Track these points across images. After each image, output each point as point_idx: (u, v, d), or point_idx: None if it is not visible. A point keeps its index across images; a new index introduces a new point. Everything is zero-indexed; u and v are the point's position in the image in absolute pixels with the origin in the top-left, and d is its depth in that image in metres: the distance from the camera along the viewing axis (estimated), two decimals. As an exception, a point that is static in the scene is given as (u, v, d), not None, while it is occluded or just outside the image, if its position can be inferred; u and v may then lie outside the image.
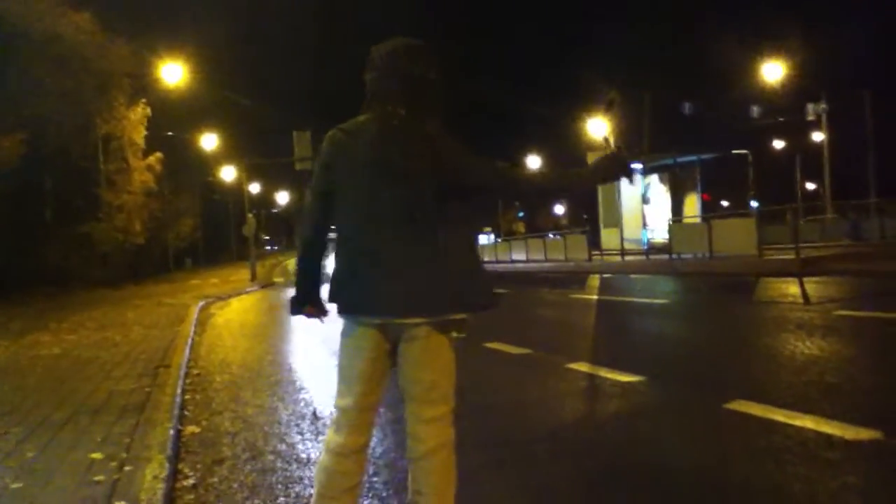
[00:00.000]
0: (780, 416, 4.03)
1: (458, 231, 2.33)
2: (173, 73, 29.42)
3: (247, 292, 23.49)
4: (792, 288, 10.90)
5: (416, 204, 2.25)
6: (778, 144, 42.90)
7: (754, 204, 31.36)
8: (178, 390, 5.72)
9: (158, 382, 6.11)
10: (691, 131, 34.59)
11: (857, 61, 43.65)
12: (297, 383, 6.48)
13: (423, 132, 2.29)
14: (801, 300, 9.40)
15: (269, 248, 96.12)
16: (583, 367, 5.96)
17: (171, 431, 4.30)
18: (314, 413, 5.11)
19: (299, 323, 12.88)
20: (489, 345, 7.49)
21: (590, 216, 27.42)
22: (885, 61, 42.58)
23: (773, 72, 30.85)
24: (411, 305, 2.28)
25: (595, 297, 13.05)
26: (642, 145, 27.31)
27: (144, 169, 31.82)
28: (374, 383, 2.39)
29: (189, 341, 9.24)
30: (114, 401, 5.37)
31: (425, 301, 2.29)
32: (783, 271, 13.41)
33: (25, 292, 19.59)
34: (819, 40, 36.60)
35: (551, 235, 30.41)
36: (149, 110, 31.25)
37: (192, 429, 4.85)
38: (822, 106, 30.88)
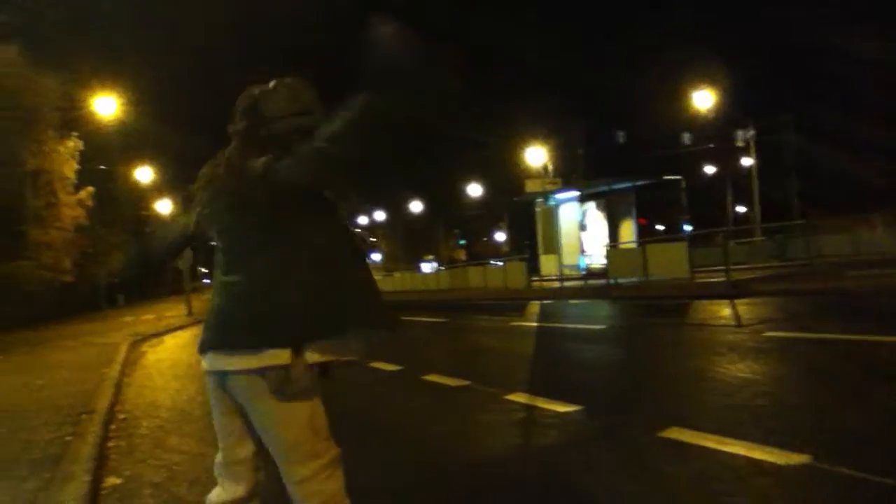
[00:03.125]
0: (712, 442, 4.05)
1: (287, 255, 2.12)
2: (107, 105, 28.80)
3: (182, 328, 22.85)
4: (723, 310, 11.14)
5: (230, 237, 2.20)
6: (709, 169, 44.25)
7: (687, 227, 32.15)
8: (100, 439, 5.45)
9: (79, 430, 5.81)
10: (626, 158, 35.43)
11: (780, 87, 45.51)
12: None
13: (238, 170, 2.17)
14: (732, 322, 9.59)
15: (206, 280, 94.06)
16: (521, 397, 5.92)
17: (88, 485, 4.07)
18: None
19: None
20: (426, 377, 7.41)
21: (530, 243, 27.65)
22: (805, 86, 44.50)
23: (702, 99, 31.89)
24: (204, 343, 2.16)
25: (535, 323, 13.08)
26: (578, 173, 27.84)
27: (75, 204, 30.86)
28: (235, 437, 2.24)
29: (116, 383, 8.88)
30: (28, 453, 5.08)
31: (220, 339, 2.13)
32: (715, 293, 13.73)
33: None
34: (745, 68, 38.03)
35: (492, 262, 30.59)
36: (81, 143, 30.41)
37: (112, 480, 4.62)
38: (750, 132, 32.02)
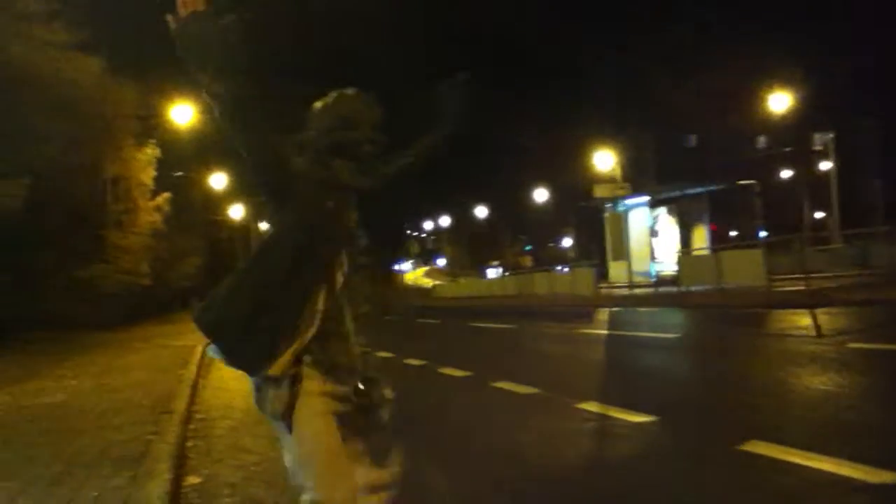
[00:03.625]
0: (796, 457, 3.89)
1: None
2: (183, 113, 29.72)
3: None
4: (803, 319, 10.74)
5: None
6: (786, 174, 42.89)
7: (763, 234, 31.20)
8: (180, 438, 5.60)
9: (160, 429, 5.98)
10: (698, 163, 34.62)
11: (863, 89, 43.70)
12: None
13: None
14: (812, 332, 9.24)
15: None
16: (592, 406, 5.82)
17: (170, 484, 4.18)
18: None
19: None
20: (496, 384, 7.36)
21: (597, 249, 27.28)
22: (890, 89, 42.62)
23: (778, 102, 30.93)
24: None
25: (604, 331, 12.89)
26: (648, 177, 27.36)
27: (152, 209, 31.94)
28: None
29: (192, 385, 9.12)
30: (113, 451, 5.25)
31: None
32: (793, 302, 13.26)
33: (27, 338, 19.42)
34: (824, 69, 36.67)
35: (559, 268, 30.31)
36: (158, 151, 31.49)
37: (192, 479, 4.73)
38: (829, 135, 30.89)
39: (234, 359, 2.13)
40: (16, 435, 6.37)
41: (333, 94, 2.30)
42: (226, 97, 2.05)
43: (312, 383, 2.12)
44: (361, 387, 2.18)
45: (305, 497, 2.13)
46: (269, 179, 2.18)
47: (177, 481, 4.49)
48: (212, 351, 2.18)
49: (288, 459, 2.18)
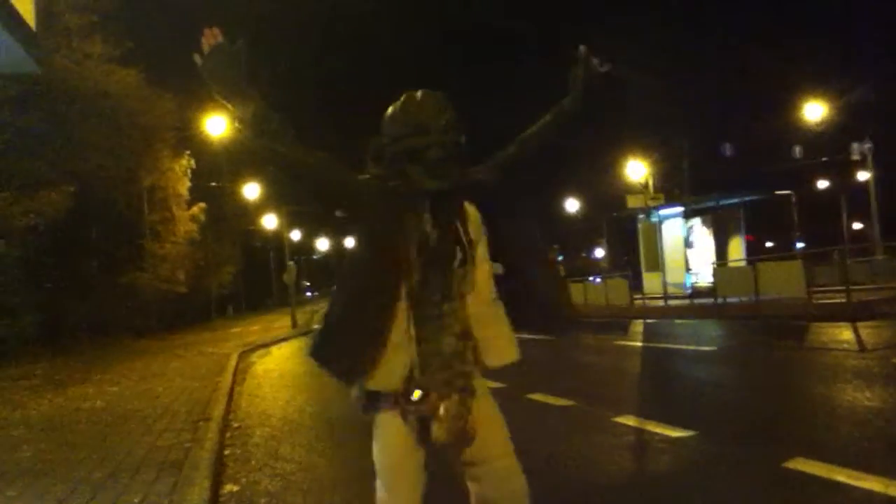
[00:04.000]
0: (843, 476, 3.80)
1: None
2: (217, 125, 30.14)
3: (287, 340, 23.56)
4: (845, 333, 10.53)
5: None
6: (822, 184, 42.17)
7: (800, 245, 30.72)
8: (217, 446, 5.66)
9: (198, 437, 6.05)
10: (733, 173, 34.17)
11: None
12: (337, 438, 6.37)
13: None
14: (855, 346, 9.05)
15: (309, 294, 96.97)
16: (630, 420, 5.76)
17: (209, 491, 4.23)
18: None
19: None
20: (531, 396, 7.32)
21: (631, 259, 27.02)
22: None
23: (814, 111, 30.47)
24: None
25: (640, 343, 12.75)
26: (682, 187, 27.10)
27: (188, 219, 32.44)
28: None
29: (229, 392, 9.22)
30: (154, 457, 5.33)
31: None
32: (834, 315, 13.00)
33: (74, 341, 20.04)
34: (861, 77, 36.08)
35: (591, 279, 30.10)
36: (193, 162, 32.00)
37: (230, 487, 4.78)
38: (867, 145, 30.30)
39: (333, 371, 2.25)
40: (62, 438, 6.50)
41: (402, 99, 2.25)
42: (254, 126, 2.14)
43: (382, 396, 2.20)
44: (415, 397, 2.15)
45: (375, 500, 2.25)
46: (333, 203, 2.23)
47: (216, 488, 4.53)
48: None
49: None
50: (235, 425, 7.30)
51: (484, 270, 2.27)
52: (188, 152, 31.69)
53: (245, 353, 16.80)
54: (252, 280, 51.22)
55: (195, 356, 16.11)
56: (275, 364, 15.20)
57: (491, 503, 2.28)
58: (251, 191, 40.01)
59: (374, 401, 2.18)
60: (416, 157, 2.14)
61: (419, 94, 2.23)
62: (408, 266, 2.14)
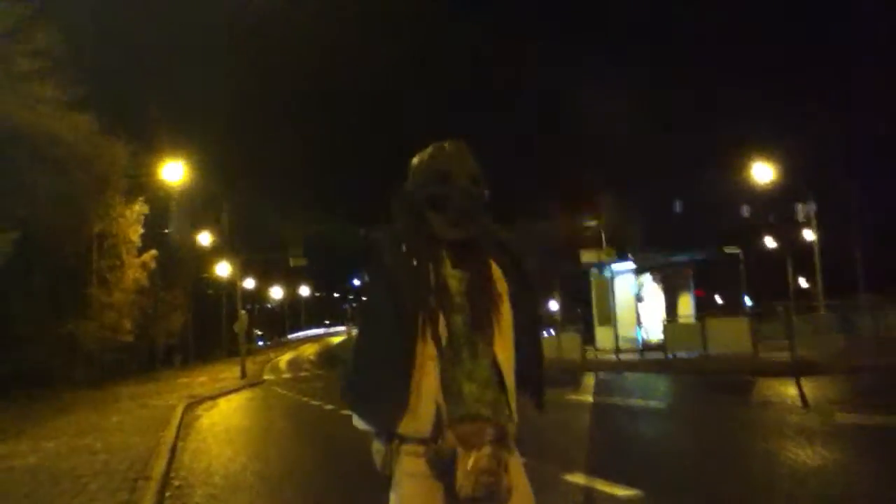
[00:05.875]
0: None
1: None
2: (173, 171, 29.82)
3: (236, 391, 23.06)
4: (789, 389, 10.72)
5: None
6: (770, 243, 43.36)
7: (748, 300, 31.35)
8: (156, 507, 5.46)
9: (135, 498, 5.83)
10: (683, 229, 35.00)
11: (845, 160, 44.58)
12: (278, 498, 6.22)
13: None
14: (798, 402, 9.21)
15: (260, 343, 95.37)
16: (579, 478, 5.74)
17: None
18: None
19: (282, 425, 12.60)
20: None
21: (583, 313, 27.24)
22: (869, 159, 43.54)
23: (762, 172, 31.49)
24: None
25: (590, 398, 12.78)
26: (634, 243, 27.60)
27: (139, 266, 31.81)
28: None
29: (171, 448, 8.93)
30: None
31: None
32: (779, 370, 13.25)
33: (5, 394, 18.99)
34: (805, 140, 37.49)
35: (544, 333, 30.24)
36: (146, 208, 31.55)
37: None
38: (811, 206, 31.40)
39: (370, 420, 2.15)
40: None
41: (430, 148, 2.25)
42: None
43: (407, 444, 2.06)
44: (443, 444, 2.04)
45: None
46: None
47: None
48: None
49: None
50: (176, 484, 7.05)
51: (509, 322, 2.20)
52: (142, 198, 31.27)
53: (191, 405, 16.36)
54: (201, 329, 50.13)
55: (138, 408, 15.62)
56: (221, 418, 14.84)
57: None
58: (203, 238, 39.59)
59: (397, 449, 2.07)
60: (438, 205, 2.14)
61: (447, 144, 2.25)
62: (427, 310, 2.09)
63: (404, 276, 2.12)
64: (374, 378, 2.12)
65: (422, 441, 2.04)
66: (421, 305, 2.09)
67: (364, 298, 2.28)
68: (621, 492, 5.19)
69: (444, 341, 2.09)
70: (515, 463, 2.13)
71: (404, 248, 2.16)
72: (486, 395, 2.10)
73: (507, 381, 2.14)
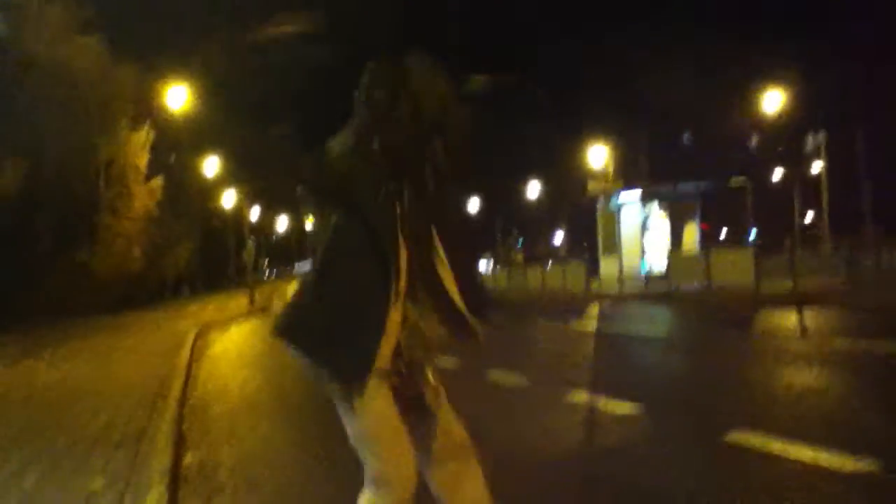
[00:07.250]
0: (777, 447, 4.03)
1: None
2: (178, 96, 29.40)
3: (245, 317, 23.46)
4: (789, 319, 10.92)
5: None
6: (777, 174, 43.04)
7: (754, 233, 31.40)
8: (177, 420, 5.72)
9: (156, 412, 6.10)
10: (691, 161, 34.79)
11: (856, 94, 43.80)
12: (296, 417, 6.46)
13: None
14: (798, 332, 9.41)
15: (268, 274, 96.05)
16: (580, 398, 5.96)
17: (170, 462, 4.30)
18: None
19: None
20: (486, 377, 7.47)
21: (589, 244, 27.36)
22: (883, 95, 42.86)
23: (771, 102, 31.01)
24: None
25: (593, 328, 13.02)
26: (641, 174, 27.51)
27: (146, 194, 31.79)
28: None
29: (186, 369, 9.22)
30: (112, 431, 5.37)
31: None
32: (781, 302, 13.43)
33: (23, 323, 19.36)
34: (819, 72, 36.81)
35: (550, 263, 30.42)
36: (152, 135, 31.33)
37: (190, 459, 4.85)
38: (822, 136, 31.04)
39: (330, 370, 2.11)
40: (20, 412, 6.49)
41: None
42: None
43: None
44: (404, 371, 2.13)
45: (368, 473, 2.12)
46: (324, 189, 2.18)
47: (176, 460, 4.61)
48: (304, 367, 2.20)
49: (351, 437, 2.14)
50: (193, 402, 7.33)
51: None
52: (148, 124, 31.01)
53: (203, 331, 16.70)
54: (209, 260, 50.50)
55: (151, 334, 15.97)
56: (232, 343, 15.18)
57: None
58: (211, 166, 39.39)
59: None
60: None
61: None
62: (397, 248, 2.08)
63: (377, 207, 2.06)
64: (343, 325, 2.05)
65: (381, 370, 2.08)
66: (395, 239, 2.07)
67: (334, 234, 2.12)
68: (622, 409, 5.40)
69: (409, 276, 2.12)
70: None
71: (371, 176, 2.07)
72: (434, 327, 2.19)
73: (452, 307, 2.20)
